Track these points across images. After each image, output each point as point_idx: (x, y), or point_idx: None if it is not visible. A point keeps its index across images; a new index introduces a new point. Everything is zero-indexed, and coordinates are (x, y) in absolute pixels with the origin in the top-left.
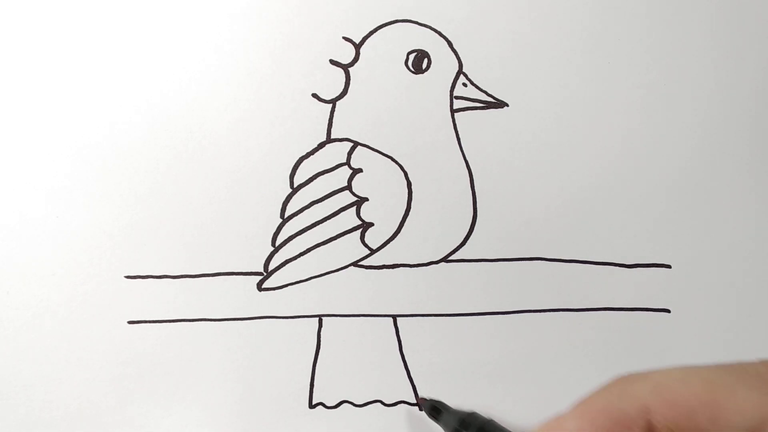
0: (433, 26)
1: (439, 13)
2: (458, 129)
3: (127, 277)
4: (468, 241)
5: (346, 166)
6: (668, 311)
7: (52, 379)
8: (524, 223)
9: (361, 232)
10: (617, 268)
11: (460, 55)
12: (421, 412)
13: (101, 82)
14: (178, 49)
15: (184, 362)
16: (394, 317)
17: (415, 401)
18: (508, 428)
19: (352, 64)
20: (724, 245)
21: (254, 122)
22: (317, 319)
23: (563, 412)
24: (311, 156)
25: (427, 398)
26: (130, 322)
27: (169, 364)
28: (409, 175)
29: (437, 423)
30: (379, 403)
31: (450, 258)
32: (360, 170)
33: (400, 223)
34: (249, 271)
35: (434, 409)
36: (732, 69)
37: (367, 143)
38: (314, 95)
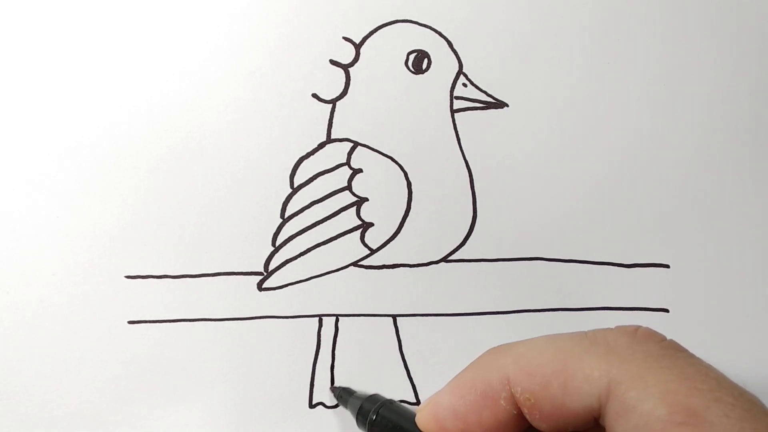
0: (433, 26)
1: (439, 13)
2: (458, 129)
3: (127, 277)
4: (468, 241)
5: (346, 166)
6: (667, 311)
7: (52, 379)
8: (524, 224)
9: (361, 232)
10: (616, 267)
11: (460, 56)
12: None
13: (101, 82)
14: (178, 49)
15: (184, 362)
16: (394, 317)
17: (415, 401)
18: (407, 408)
19: (352, 64)
20: (723, 245)
21: (254, 122)
22: (317, 319)
23: (440, 389)
24: (311, 156)
25: (336, 386)
26: (130, 322)
27: (169, 364)
28: (409, 175)
29: (345, 407)
30: None
31: (450, 258)
32: (360, 170)
33: (400, 223)
34: (249, 271)
35: (340, 397)
36: (731, 69)
37: (367, 143)
38: (314, 95)
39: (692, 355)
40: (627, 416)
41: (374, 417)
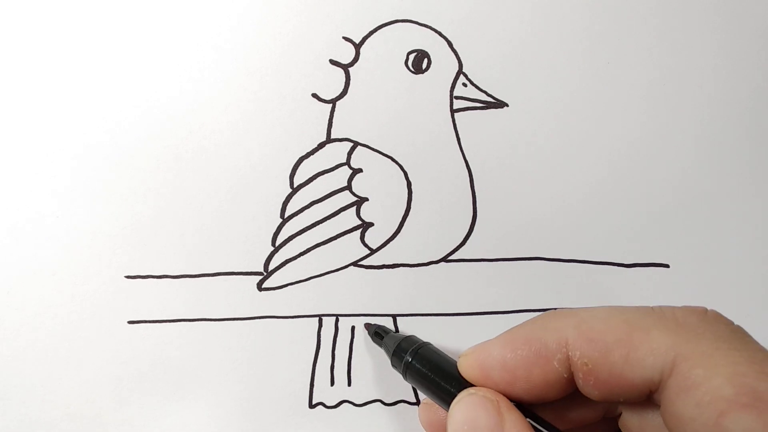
0: (433, 26)
1: (439, 13)
2: (458, 129)
3: (127, 277)
4: (468, 241)
5: (346, 166)
6: None
7: (52, 379)
8: (524, 223)
9: (361, 232)
10: (616, 267)
11: (460, 55)
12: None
13: (101, 83)
14: (179, 49)
15: (183, 362)
16: (394, 317)
17: (415, 401)
18: (444, 352)
19: (352, 64)
20: (722, 245)
21: (254, 122)
22: (317, 319)
23: (490, 340)
24: (311, 156)
25: (372, 324)
26: (130, 322)
27: (169, 364)
28: (409, 175)
29: (380, 346)
30: (379, 403)
31: (450, 258)
32: (360, 170)
33: (400, 223)
34: (249, 271)
35: (377, 334)
36: (731, 70)
37: (367, 143)
38: (314, 95)
39: (758, 343)
40: (690, 392)
41: (410, 359)
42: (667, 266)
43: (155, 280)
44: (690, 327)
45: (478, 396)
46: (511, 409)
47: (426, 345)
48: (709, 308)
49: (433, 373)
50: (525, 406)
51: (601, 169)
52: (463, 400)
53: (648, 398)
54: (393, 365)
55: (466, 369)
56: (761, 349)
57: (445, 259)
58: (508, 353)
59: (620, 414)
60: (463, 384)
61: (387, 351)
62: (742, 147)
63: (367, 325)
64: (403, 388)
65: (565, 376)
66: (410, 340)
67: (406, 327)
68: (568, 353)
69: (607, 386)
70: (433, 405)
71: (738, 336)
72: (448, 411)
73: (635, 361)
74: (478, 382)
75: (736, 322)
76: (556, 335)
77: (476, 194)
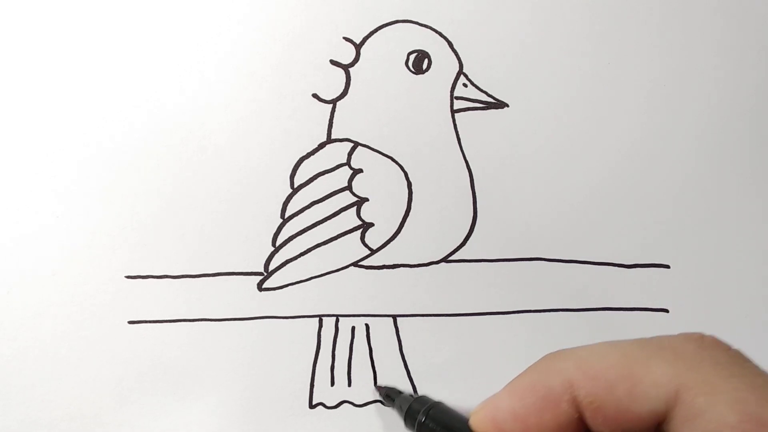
0: (433, 26)
1: (439, 13)
2: (458, 129)
3: (128, 277)
4: (468, 242)
5: (347, 167)
6: (667, 311)
7: (52, 379)
8: (524, 224)
9: (362, 233)
10: (616, 268)
11: (461, 56)
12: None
13: (101, 83)
14: (179, 50)
15: (183, 362)
16: (394, 317)
17: None
18: (455, 410)
19: (352, 64)
20: (723, 245)
21: (255, 122)
22: (317, 319)
23: (497, 393)
24: (311, 156)
25: (382, 386)
26: (130, 322)
27: (169, 364)
28: (410, 176)
29: (392, 407)
30: (379, 403)
31: (450, 258)
32: (360, 170)
33: (401, 223)
34: (249, 271)
35: (388, 396)
36: (732, 70)
37: (367, 143)
38: (314, 95)
39: (758, 366)
40: (695, 421)
41: (423, 419)
42: (667, 266)
43: (155, 280)
44: (688, 355)
45: None
46: None
47: (437, 404)
48: (705, 334)
49: None
50: None
51: (602, 170)
52: None
53: (658, 430)
54: (406, 426)
55: (479, 425)
56: (761, 373)
57: (445, 260)
58: (516, 403)
59: None
60: None
61: (399, 412)
62: (743, 147)
63: (378, 387)
64: (404, 388)
65: (576, 416)
66: (421, 400)
67: (407, 327)
68: (574, 394)
69: (616, 422)
70: None
71: (737, 361)
72: None
73: (639, 394)
74: None
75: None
76: (560, 377)
77: (476, 195)
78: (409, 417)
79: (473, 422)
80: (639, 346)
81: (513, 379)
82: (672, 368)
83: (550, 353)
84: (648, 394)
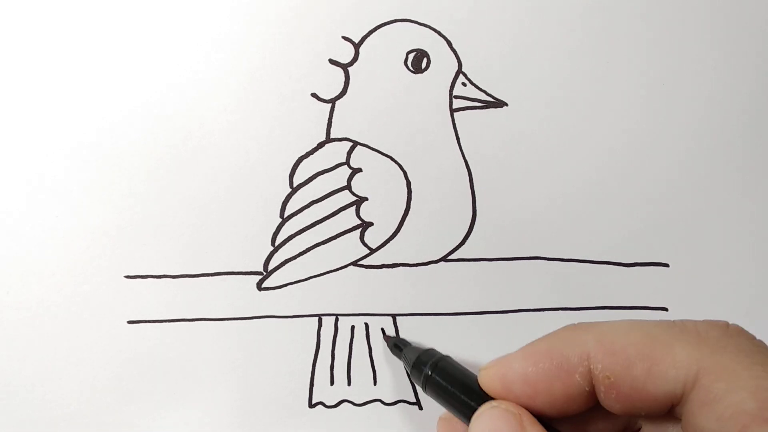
0: (432, 26)
1: (438, 12)
2: (458, 128)
3: (127, 277)
4: (467, 241)
5: (346, 166)
6: (666, 310)
7: (52, 379)
8: (523, 223)
9: (361, 232)
10: (615, 267)
11: (460, 55)
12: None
13: (101, 82)
14: (178, 48)
15: (183, 362)
16: (394, 316)
17: (415, 401)
18: (463, 365)
19: (351, 63)
20: (722, 244)
21: (254, 122)
22: (317, 318)
23: (511, 353)
24: (311, 156)
25: (391, 336)
26: (130, 322)
27: (169, 364)
28: (409, 175)
29: (399, 359)
30: (378, 403)
31: (449, 257)
32: (359, 170)
33: (400, 222)
34: (249, 270)
35: (396, 346)
36: (731, 69)
37: (366, 143)
38: (314, 95)
39: None
40: (712, 406)
41: (430, 372)
42: (666, 266)
43: (155, 280)
44: (712, 341)
45: (500, 409)
46: (533, 423)
47: (446, 358)
48: (730, 322)
49: (453, 387)
50: (546, 420)
51: (601, 169)
52: (485, 413)
53: (669, 412)
54: (412, 377)
55: (487, 382)
56: None
57: (444, 259)
58: (529, 366)
59: (641, 428)
60: (484, 398)
61: (406, 363)
62: (743, 146)
63: (387, 337)
64: (403, 388)
65: (587, 389)
66: (430, 353)
67: (406, 326)
68: (590, 367)
69: (629, 400)
70: (452, 419)
71: (761, 350)
72: (468, 425)
73: (658, 374)
74: (499, 395)
75: (734, 321)
76: (578, 349)
77: (476, 194)
78: (415, 369)
79: (482, 378)
80: (663, 327)
81: (530, 343)
82: (695, 351)
83: (572, 324)
84: (666, 374)
